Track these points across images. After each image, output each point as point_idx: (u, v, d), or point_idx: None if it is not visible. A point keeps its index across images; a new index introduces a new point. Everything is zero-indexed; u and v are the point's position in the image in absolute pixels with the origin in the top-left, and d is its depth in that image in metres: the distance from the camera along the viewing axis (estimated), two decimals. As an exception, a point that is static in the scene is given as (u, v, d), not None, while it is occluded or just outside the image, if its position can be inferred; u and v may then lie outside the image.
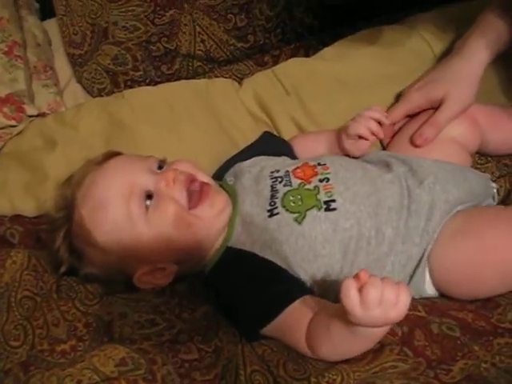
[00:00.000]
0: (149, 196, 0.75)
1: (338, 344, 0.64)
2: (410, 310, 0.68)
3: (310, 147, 0.91)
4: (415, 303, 0.70)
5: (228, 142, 0.95)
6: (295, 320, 0.68)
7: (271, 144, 0.91)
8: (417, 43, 1.00)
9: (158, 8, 1.01)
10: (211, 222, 0.76)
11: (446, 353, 0.63)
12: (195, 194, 0.76)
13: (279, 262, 0.73)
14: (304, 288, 0.72)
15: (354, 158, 0.86)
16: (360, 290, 0.57)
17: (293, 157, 0.88)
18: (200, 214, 0.75)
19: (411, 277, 0.73)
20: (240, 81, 1.05)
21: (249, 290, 0.71)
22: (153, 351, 0.67)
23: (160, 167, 0.79)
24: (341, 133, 0.87)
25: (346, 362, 0.64)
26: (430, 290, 0.74)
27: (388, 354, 0.63)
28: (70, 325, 0.73)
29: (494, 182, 0.86)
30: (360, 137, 0.85)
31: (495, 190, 0.84)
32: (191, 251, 0.76)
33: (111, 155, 0.82)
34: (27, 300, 0.75)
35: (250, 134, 0.95)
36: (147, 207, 0.74)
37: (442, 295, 0.74)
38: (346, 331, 0.61)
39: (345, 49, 1.02)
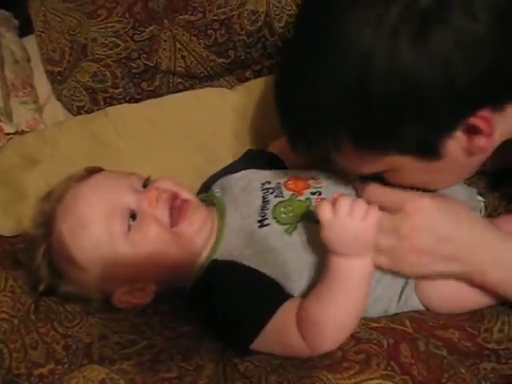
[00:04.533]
0: (133, 216, 0.74)
1: (324, 301, 0.65)
2: (396, 323, 0.68)
3: None
4: (402, 318, 0.69)
5: (212, 158, 0.95)
6: (284, 317, 0.67)
7: (258, 158, 0.90)
8: None
9: (138, 24, 1.01)
10: (192, 239, 0.75)
11: (433, 373, 0.62)
12: (176, 211, 0.75)
13: (269, 274, 0.71)
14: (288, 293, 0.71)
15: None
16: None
17: (282, 169, 0.87)
18: (180, 232, 0.74)
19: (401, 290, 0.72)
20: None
21: (235, 302, 0.69)
22: (132, 371, 0.66)
23: (144, 186, 0.78)
24: None
25: (331, 370, 0.63)
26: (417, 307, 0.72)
27: (375, 369, 0.62)
28: (49, 347, 0.72)
29: (481, 195, 0.82)
30: None
31: (482, 204, 0.81)
32: (172, 270, 0.75)
33: (93, 171, 0.81)
34: (4, 322, 0.73)
35: (233, 149, 0.95)
36: (130, 227, 0.73)
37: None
38: (329, 279, 0.65)
39: None
